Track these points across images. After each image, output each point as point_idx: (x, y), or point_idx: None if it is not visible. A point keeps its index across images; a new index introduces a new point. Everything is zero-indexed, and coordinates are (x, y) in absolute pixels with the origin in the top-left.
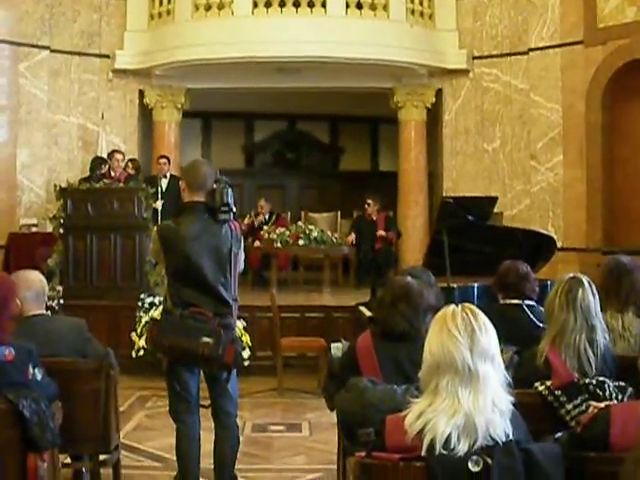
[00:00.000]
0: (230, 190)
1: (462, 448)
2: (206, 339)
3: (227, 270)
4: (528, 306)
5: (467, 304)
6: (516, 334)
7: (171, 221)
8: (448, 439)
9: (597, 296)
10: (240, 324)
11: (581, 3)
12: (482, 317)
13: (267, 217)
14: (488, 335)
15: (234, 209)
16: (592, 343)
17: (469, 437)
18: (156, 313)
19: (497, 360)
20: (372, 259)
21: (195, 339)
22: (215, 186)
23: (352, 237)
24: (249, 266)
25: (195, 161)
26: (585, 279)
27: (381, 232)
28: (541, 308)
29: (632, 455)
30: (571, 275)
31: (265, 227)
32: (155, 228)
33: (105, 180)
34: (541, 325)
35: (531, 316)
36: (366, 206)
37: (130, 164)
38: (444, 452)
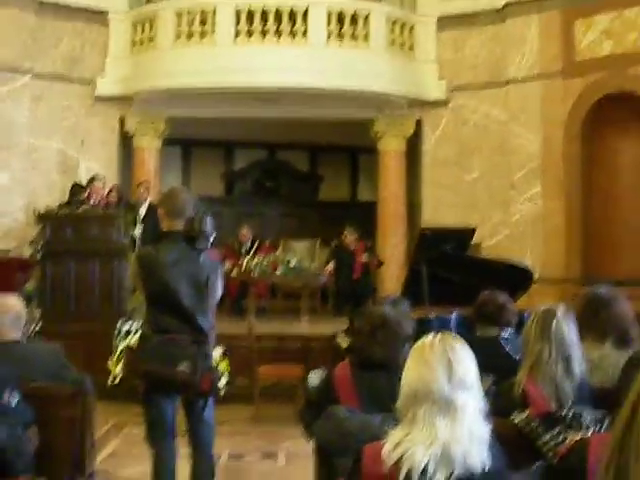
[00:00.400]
0: (209, 218)
1: (439, 478)
2: (183, 366)
3: (205, 297)
4: (504, 338)
5: (445, 333)
6: (493, 364)
7: (150, 247)
8: (425, 469)
9: (573, 325)
10: (218, 351)
11: (559, 36)
12: (460, 346)
13: (249, 245)
14: (465, 364)
15: (212, 237)
16: (568, 373)
17: (446, 467)
18: (133, 340)
19: (475, 389)
20: (350, 288)
21: (172, 366)
22: (194, 214)
23: (330, 266)
24: (227, 294)
25: (173, 189)
26: (560, 310)
27: (362, 257)
28: (519, 338)
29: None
30: (547, 306)
31: (248, 256)
32: (134, 254)
33: (84, 206)
34: (517, 357)
35: (507, 348)
36: (343, 237)
37: (112, 192)
38: None
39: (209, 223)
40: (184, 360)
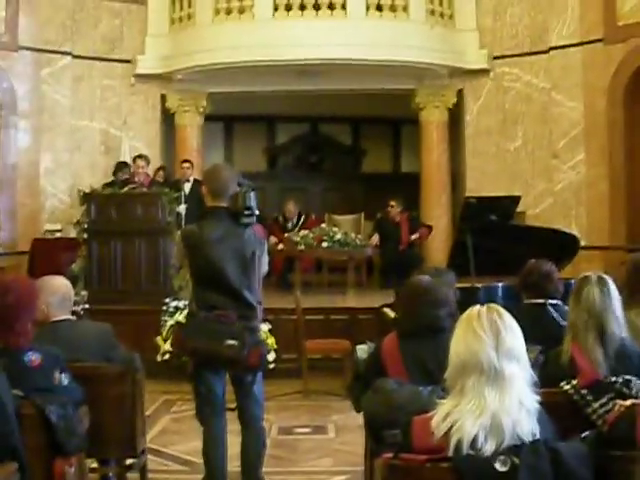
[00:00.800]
0: (253, 193)
1: (489, 448)
2: (231, 342)
3: (251, 273)
4: (552, 305)
5: (492, 304)
6: (540, 333)
7: (194, 225)
8: (475, 439)
9: (611, 293)
10: (265, 327)
11: (600, 2)
12: (507, 317)
13: (295, 220)
14: (514, 335)
15: (257, 212)
16: (605, 341)
17: (496, 437)
18: (181, 317)
19: (523, 359)
20: (397, 260)
21: (219, 342)
22: (237, 190)
23: (375, 238)
24: (273, 269)
25: (216, 166)
26: (595, 276)
27: (414, 235)
28: (566, 307)
29: None
30: (584, 274)
31: (294, 231)
32: (179, 232)
33: (129, 185)
34: (564, 324)
35: (555, 315)
36: (389, 208)
37: (160, 172)
38: (471, 452)
39: (253, 199)
40: (231, 336)
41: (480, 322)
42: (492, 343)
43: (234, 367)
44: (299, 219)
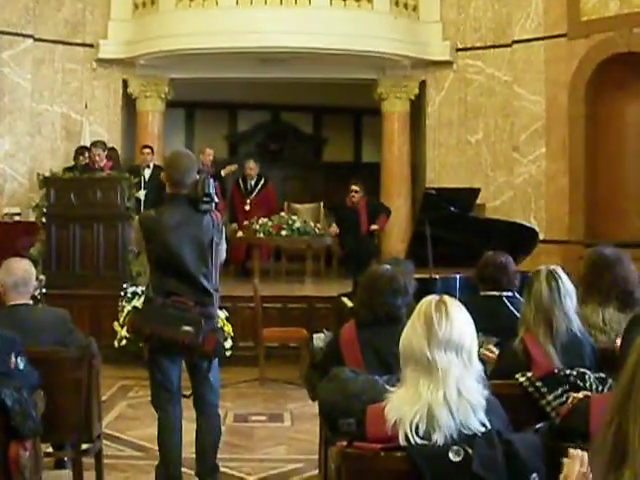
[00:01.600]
0: (212, 180)
1: (439, 437)
2: (187, 328)
3: (208, 260)
4: (508, 297)
5: (443, 295)
6: (497, 325)
7: (153, 211)
8: (417, 429)
9: (560, 288)
10: (222, 314)
11: None
12: (449, 307)
13: (255, 181)
14: (450, 325)
15: (216, 199)
16: (552, 335)
17: (437, 428)
18: (138, 302)
19: (466, 350)
20: (355, 250)
21: (175, 327)
22: (197, 176)
23: (335, 228)
24: (232, 256)
25: (176, 153)
26: (545, 271)
27: (374, 226)
28: (521, 299)
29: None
30: (537, 268)
31: (254, 192)
32: (137, 217)
33: (89, 170)
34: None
35: (511, 307)
36: (353, 193)
37: (109, 153)
38: (423, 442)
39: (212, 185)
40: (187, 322)
41: (418, 313)
42: (424, 333)
43: (189, 354)
44: (259, 181)
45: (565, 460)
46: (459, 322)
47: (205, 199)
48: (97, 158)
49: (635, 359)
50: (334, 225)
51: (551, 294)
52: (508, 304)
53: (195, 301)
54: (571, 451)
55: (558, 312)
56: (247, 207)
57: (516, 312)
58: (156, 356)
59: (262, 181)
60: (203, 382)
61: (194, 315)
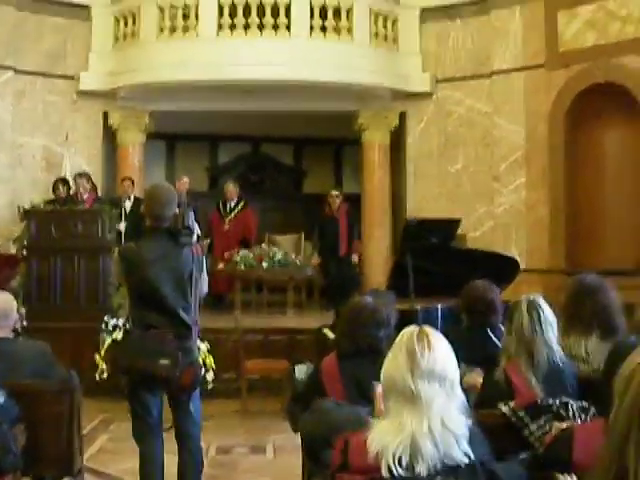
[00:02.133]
0: (192, 213)
1: (422, 469)
2: (164, 361)
3: (187, 293)
4: (492, 329)
5: (424, 326)
6: (480, 356)
7: (133, 244)
8: (400, 460)
9: (541, 318)
10: (204, 346)
11: (542, 28)
12: (430, 337)
13: (234, 203)
14: (433, 355)
15: (196, 232)
16: (535, 364)
17: (420, 460)
18: (119, 335)
19: (449, 381)
20: (337, 276)
21: (153, 360)
22: (177, 210)
23: (316, 259)
24: (214, 288)
25: (156, 187)
26: (526, 301)
27: (354, 257)
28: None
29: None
30: (517, 299)
31: (233, 213)
32: (116, 250)
33: (72, 204)
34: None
35: (494, 338)
36: (330, 199)
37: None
38: (406, 474)
39: (192, 218)
40: (165, 355)
41: (400, 344)
42: (407, 365)
43: (167, 387)
44: (238, 202)
45: None
46: (441, 353)
47: (185, 232)
48: (81, 189)
49: (630, 403)
50: (315, 255)
51: (532, 324)
52: (491, 335)
53: (174, 334)
54: (559, 477)
55: (539, 342)
56: (226, 227)
57: (499, 343)
58: (136, 389)
59: (242, 203)
60: (184, 415)
61: (172, 348)
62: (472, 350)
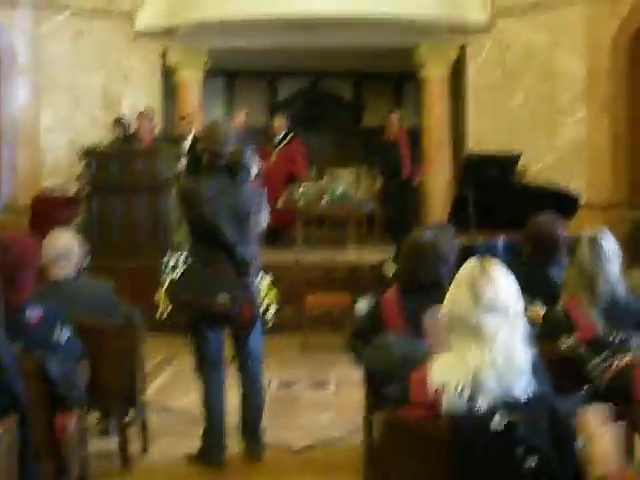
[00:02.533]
0: (250, 150)
1: (482, 404)
2: (223, 296)
3: (246, 229)
4: (554, 265)
5: (486, 258)
6: (541, 291)
7: (191, 181)
8: (462, 394)
9: (602, 252)
10: (266, 281)
11: None
12: (493, 270)
13: (281, 137)
14: (496, 287)
15: (255, 168)
16: (595, 299)
17: (484, 393)
18: (178, 273)
19: (512, 313)
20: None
21: (212, 296)
22: (235, 146)
23: (378, 184)
24: (274, 224)
25: (213, 123)
26: (587, 236)
27: (418, 176)
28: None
29: None
30: (580, 234)
31: (280, 146)
32: (175, 188)
33: (135, 142)
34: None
35: (554, 275)
36: (390, 123)
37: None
38: (467, 408)
39: (250, 155)
40: (225, 291)
41: (462, 277)
42: (470, 298)
43: (226, 322)
44: (285, 136)
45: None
46: (503, 285)
47: (243, 169)
48: (142, 128)
49: None
50: (378, 182)
51: (593, 260)
52: (554, 269)
53: (233, 270)
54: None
55: (601, 277)
56: (273, 158)
57: (560, 277)
58: (197, 324)
59: (289, 136)
60: (245, 350)
61: (231, 284)
62: (532, 284)
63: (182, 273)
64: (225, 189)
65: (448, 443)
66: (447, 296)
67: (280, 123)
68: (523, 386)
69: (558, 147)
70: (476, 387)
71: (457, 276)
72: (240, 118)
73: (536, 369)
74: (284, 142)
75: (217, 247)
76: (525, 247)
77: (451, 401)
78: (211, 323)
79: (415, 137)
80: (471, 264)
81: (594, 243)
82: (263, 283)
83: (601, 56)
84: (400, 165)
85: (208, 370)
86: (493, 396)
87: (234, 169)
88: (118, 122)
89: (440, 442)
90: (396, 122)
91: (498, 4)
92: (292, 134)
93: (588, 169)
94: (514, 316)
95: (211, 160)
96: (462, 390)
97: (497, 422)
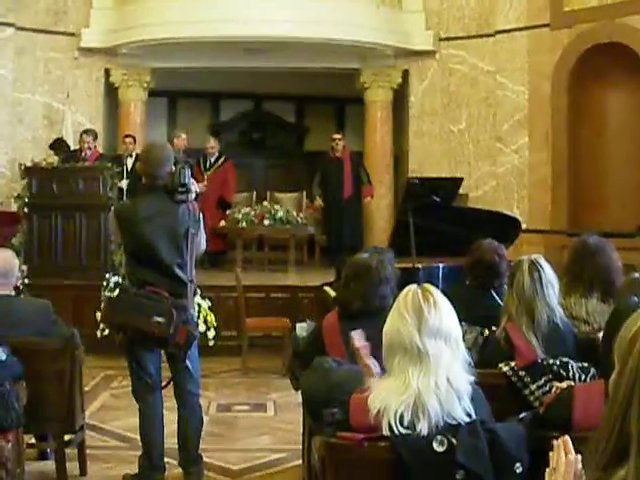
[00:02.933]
0: (189, 170)
1: (423, 427)
2: (158, 318)
3: (184, 250)
4: (495, 290)
5: (426, 284)
6: (482, 315)
7: (129, 201)
8: (402, 418)
9: (542, 278)
10: (205, 304)
11: None
12: (435, 296)
13: (215, 158)
14: (439, 314)
15: (193, 189)
16: (535, 325)
17: (425, 417)
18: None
19: (454, 339)
20: (338, 221)
21: (146, 318)
22: (173, 167)
23: (319, 202)
24: (213, 246)
25: (150, 146)
26: (527, 262)
27: (367, 199)
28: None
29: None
30: (519, 259)
31: (211, 170)
32: (112, 208)
33: (77, 161)
34: None
35: (497, 298)
36: (333, 143)
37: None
38: (407, 432)
39: (188, 175)
40: (159, 313)
41: (405, 302)
42: (414, 322)
43: (161, 345)
44: (219, 158)
45: (551, 454)
46: (446, 310)
47: (181, 189)
48: (86, 146)
49: (633, 366)
50: (318, 198)
51: (533, 284)
52: (495, 296)
53: (169, 292)
54: (555, 442)
55: (540, 303)
56: (205, 182)
57: (501, 302)
58: (133, 347)
59: (222, 158)
60: (181, 371)
61: (166, 306)
62: (473, 310)
63: (117, 294)
64: (163, 209)
65: (390, 465)
66: (388, 321)
67: (212, 143)
68: (463, 410)
69: (500, 173)
70: (417, 411)
71: (398, 302)
72: (180, 141)
73: (476, 393)
74: (217, 164)
75: (153, 268)
76: (467, 272)
77: (392, 424)
78: (146, 345)
79: (359, 159)
80: (412, 290)
81: (533, 268)
82: (202, 306)
83: (543, 84)
84: (342, 185)
85: (145, 392)
86: (435, 419)
87: (172, 190)
88: (59, 141)
89: (381, 464)
90: (340, 142)
91: (443, 30)
92: (225, 157)
93: (529, 195)
94: (455, 341)
95: (149, 181)
96: (402, 414)
97: (437, 445)
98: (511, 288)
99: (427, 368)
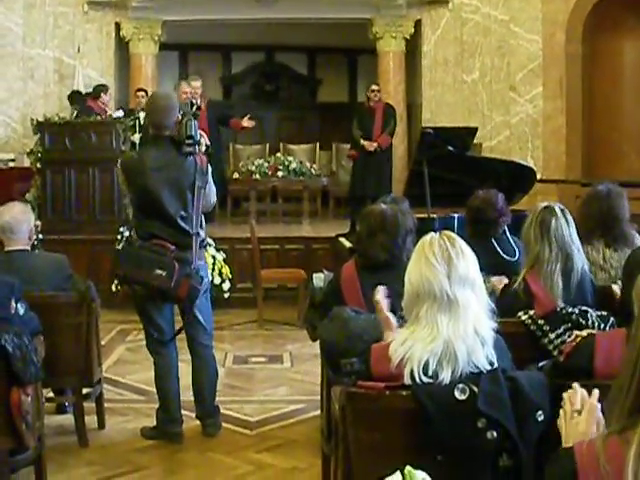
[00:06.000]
0: (195, 122)
1: (446, 376)
2: (159, 271)
3: (189, 203)
4: (495, 239)
5: (446, 231)
6: (487, 265)
7: (135, 153)
8: (426, 366)
9: (572, 223)
10: (220, 256)
11: None
12: (460, 243)
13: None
14: (466, 260)
15: (203, 142)
16: (568, 273)
17: (450, 364)
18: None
19: (478, 286)
20: (365, 169)
21: (148, 271)
22: (180, 119)
23: (353, 153)
24: (228, 198)
25: (154, 96)
26: (558, 207)
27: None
28: (510, 238)
29: None
30: (544, 205)
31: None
32: (119, 160)
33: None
34: (508, 257)
35: (498, 249)
36: (372, 94)
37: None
38: (429, 380)
39: (195, 128)
40: (161, 266)
41: (432, 249)
42: (444, 270)
43: (163, 297)
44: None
45: (565, 395)
46: (472, 258)
47: (188, 142)
48: (101, 104)
49: None
50: (353, 151)
51: (570, 231)
52: (495, 245)
53: (174, 243)
54: (575, 385)
55: (575, 249)
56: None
57: (501, 252)
58: (142, 301)
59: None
60: (192, 324)
61: (169, 259)
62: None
63: (122, 247)
64: (169, 161)
65: (411, 414)
66: (413, 269)
67: (196, 85)
68: (486, 358)
69: (514, 123)
70: (445, 359)
71: (422, 249)
72: (185, 89)
73: (497, 342)
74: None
75: (158, 220)
76: (466, 222)
77: (414, 373)
78: (154, 298)
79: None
80: (435, 238)
81: (566, 214)
82: (217, 258)
83: (557, 33)
84: (372, 134)
85: (157, 346)
86: (459, 367)
87: (179, 142)
88: (75, 93)
89: (402, 413)
90: (377, 94)
91: None
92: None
93: (543, 145)
94: (480, 289)
95: (155, 132)
96: (428, 362)
97: (459, 393)
98: (544, 234)
99: (457, 316)
